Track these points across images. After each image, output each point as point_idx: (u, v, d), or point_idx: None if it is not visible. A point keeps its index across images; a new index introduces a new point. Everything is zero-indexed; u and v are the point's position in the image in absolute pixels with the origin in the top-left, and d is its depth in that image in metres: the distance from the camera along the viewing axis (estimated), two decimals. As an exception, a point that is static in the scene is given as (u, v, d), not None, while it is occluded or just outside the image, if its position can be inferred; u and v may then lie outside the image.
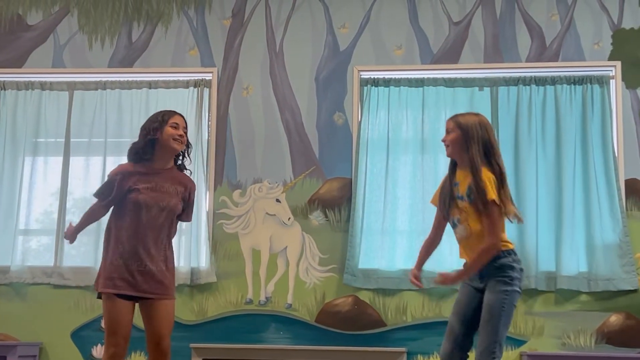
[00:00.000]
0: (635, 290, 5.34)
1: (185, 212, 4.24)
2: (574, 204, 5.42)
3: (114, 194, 4.08)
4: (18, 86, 5.99)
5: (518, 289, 3.59)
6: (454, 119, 3.79)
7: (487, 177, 3.58)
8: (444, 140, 3.78)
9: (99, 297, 4.04)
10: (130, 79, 5.95)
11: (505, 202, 3.59)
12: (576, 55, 5.68)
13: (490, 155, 3.68)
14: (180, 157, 4.22)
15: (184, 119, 4.20)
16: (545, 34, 5.73)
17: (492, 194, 3.51)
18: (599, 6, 5.71)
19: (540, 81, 5.62)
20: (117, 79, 5.96)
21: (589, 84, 5.57)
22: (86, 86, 5.96)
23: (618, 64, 5.60)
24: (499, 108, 5.64)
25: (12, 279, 5.72)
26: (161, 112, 4.22)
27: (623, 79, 5.60)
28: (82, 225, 4.19)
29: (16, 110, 5.98)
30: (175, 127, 4.09)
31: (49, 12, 6.11)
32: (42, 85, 5.99)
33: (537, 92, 5.61)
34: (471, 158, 3.64)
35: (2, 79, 6.00)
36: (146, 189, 4.02)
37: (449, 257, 5.25)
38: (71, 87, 5.97)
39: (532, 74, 5.64)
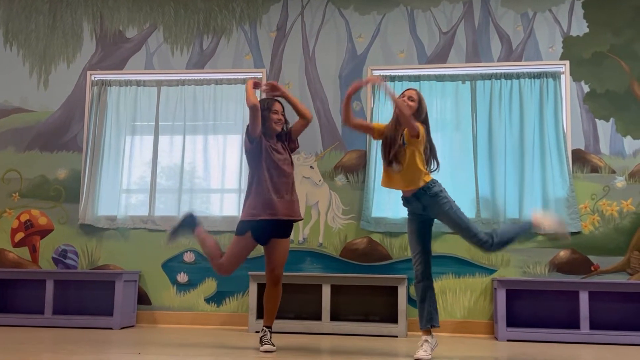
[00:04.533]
0: (578, 232, 5.37)
1: (291, 126, 4.31)
2: (533, 168, 5.47)
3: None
4: (120, 84, 6.03)
5: (449, 196, 3.87)
6: (419, 94, 4.00)
7: (421, 127, 3.86)
8: (405, 100, 3.93)
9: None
10: (202, 78, 5.97)
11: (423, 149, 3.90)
12: (535, 56, 5.65)
13: (427, 121, 3.99)
14: (281, 133, 4.26)
15: (280, 103, 4.24)
16: (512, 40, 5.71)
17: (417, 127, 3.82)
18: (553, 19, 5.67)
19: (508, 76, 5.61)
20: (192, 77, 5.98)
21: (545, 78, 5.55)
22: (170, 83, 5.99)
23: (567, 62, 5.58)
24: (477, 97, 5.64)
25: (118, 224, 5.84)
26: (264, 100, 4.26)
27: (571, 74, 5.56)
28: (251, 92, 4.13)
29: (119, 101, 6.02)
30: (275, 113, 4.19)
31: (142, 28, 6.13)
32: (137, 83, 6.02)
33: (506, 85, 5.60)
34: (416, 124, 3.84)
35: (108, 79, 6.04)
36: (269, 145, 4.15)
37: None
38: (159, 84, 6.00)
39: (502, 71, 5.63)
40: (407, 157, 3.86)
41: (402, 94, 4.06)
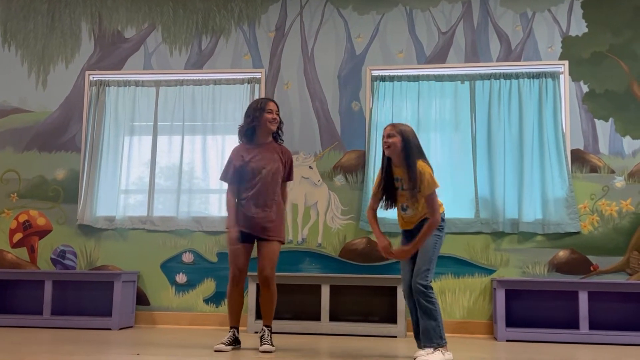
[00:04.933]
0: (578, 232, 5.38)
1: (287, 173, 4.26)
2: (532, 168, 5.45)
3: (232, 170, 4.16)
4: (118, 84, 6.01)
5: (443, 234, 3.74)
6: (395, 127, 3.72)
7: (428, 171, 3.62)
8: (386, 142, 3.69)
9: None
10: (200, 78, 5.95)
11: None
12: (534, 56, 5.64)
13: (423, 154, 3.72)
14: (276, 133, 4.25)
15: (275, 103, 4.24)
16: (511, 40, 5.70)
17: (434, 186, 3.59)
18: (552, 19, 5.66)
19: (507, 76, 5.59)
20: (191, 77, 5.97)
21: (544, 78, 5.54)
22: (168, 83, 5.98)
23: (566, 62, 5.57)
24: (476, 97, 5.63)
25: (117, 225, 5.83)
26: (259, 100, 4.26)
27: (570, 74, 5.55)
28: (231, 215, 4.14)
29: (117, 102, 6.00)
30: (270, 112, 4.17)
31: (140, 28, 6.13)
32: (136, 83, 6.01)
33: (505, 85, 5.58)
34: (412, 160, 3.63)
35: (107, 79, 6.03)
36: (255, 159, 4.14)
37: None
38: (157, 84, 5.99)
39: (501, 71, 5.62)
40: (421, 201, 3.69)
41: (383, 136, 3.79)
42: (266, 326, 4.18)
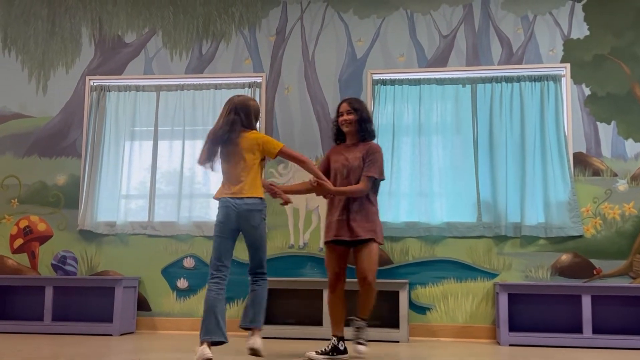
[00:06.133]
0: (580, 236, 5.37)
1: (366, 166, 4.10)
2: (534, 171, 5.45)
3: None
4: (119, 89, 6.04)
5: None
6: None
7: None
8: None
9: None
10: (201, 82, 5.97)
11: None
12: (536, 59, 5.64)
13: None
14: (359, 131, 4.19)
15: (347, 103, 4.20)
16: (513, 43, 5.70)
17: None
18: (553, 22, 5.67)
19: (508, 79, 5.59)
20: (192, 82, 5.98)
21: (545, 81, 5.54)
22: (169, 88, 5.99)
23: (568, 65, 5.57)
24: (478, 100, 5.63)
25: (118, 230, 5.84)
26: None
27: (572, 77, 5.55)
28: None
29: (118, 107, 6.02)
30: (341, 115, 4.20)
31: (141, 33, 6.15)
32: (137, 88, 6.03)
33: (507, 88, 5.58)
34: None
35: (107, 84, 6.06)
36: (338, 159, 4.18)
37: (439, 212, 5.55)
38: (158, 89, 6.01)
39: (503, 74, 5.61)
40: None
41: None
42: (364, 319, 4.25)
